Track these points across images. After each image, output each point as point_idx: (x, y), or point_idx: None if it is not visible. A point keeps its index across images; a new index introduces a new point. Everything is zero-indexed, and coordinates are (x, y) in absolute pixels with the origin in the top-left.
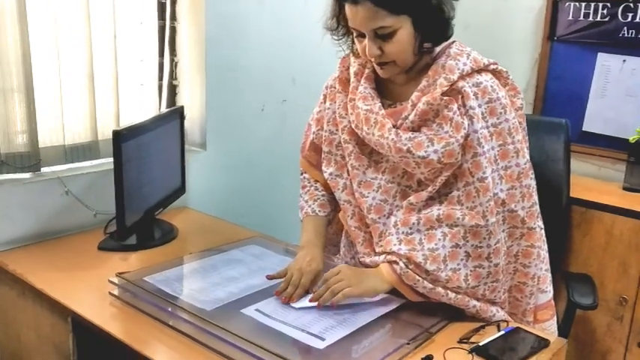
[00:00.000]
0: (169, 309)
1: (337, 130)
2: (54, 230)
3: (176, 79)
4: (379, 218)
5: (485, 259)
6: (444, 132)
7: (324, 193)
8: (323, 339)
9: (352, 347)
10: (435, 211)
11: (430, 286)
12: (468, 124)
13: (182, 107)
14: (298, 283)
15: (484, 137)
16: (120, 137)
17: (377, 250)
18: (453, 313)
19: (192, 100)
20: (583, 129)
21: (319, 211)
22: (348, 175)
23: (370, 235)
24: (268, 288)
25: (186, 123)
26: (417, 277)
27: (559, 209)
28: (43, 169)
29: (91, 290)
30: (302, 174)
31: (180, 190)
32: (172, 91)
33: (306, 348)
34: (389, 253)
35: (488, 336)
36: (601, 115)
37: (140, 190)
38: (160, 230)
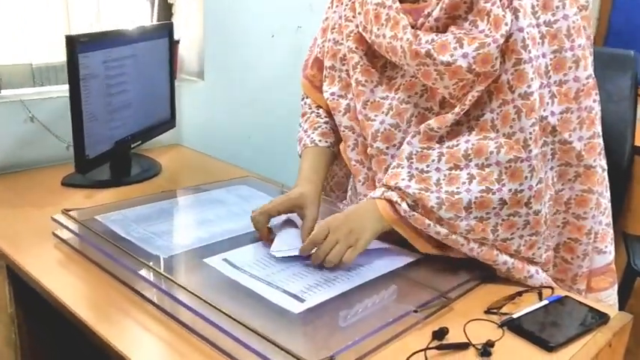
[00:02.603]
0: (114, 255)
1: (343, 38)
2: (17, 162)
3: None
4: (387, 148)
5: (524, 205)
6: (478, 31)
7: (327, 120)
8: (302, 300)
9: (339, 313)
10: (463, 144)
11: (445, 231)
12: (512, 20)
13: (171, 24)
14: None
15: (532, 39)
16: (76, 45)
17: (378, 185)
18: (482, 275)
19: (188, 19)
20: None
21: (319, 140)
22: (353, 94)
23: (375, 173)
24: (248, 234)
25: (180, 47)
26: (428, 222)
27: (620, 160)
28: (4, 92)
29: (35, 232)
30: (303, 99)
31: (169, 123)
32: (167, 8)
33: (278, 311)
34: (390, 187)
35: (526, 306)
36: None
37: (109, 115)
38: (140, 166)
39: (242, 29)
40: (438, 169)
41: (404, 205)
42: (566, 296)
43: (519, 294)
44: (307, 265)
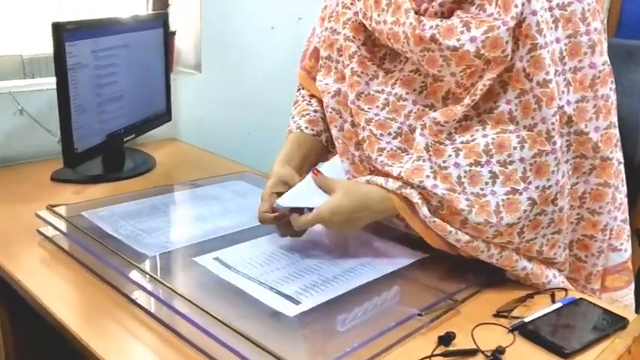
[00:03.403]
0: (99, 253)
1: (340, 26)
2: (5, 157)
3: None
4: (381, 135)
5: (551, 203)
6: (487, 14)
7: (317, 109)
8: (297, 302)
9: (337, 317)
10: (480, 138)
11: (466, 238)
12: (523, 3)
13: (166, 13)
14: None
15: (546, 22)
16: (63, 33)
17: (382, 169)
18: (490, 276)
19: (186, 10)
20: None
21: (305, 127)
22: (347, 84)
23: (361, 159)
24: (242, 232)
25: (177, 39)
26: (449, 228)
27: (633, 155)
28: None
29: (20, 229)
30: (298, 89)
31: (165, 116)
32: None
33: (272, 314)
34: (411, 185)
35: (538, 309)
36: None
37: (99, 107)
38: (133, 161)
39: (241, 21)
40: (457, 165)
41: (424, 210)
42: (580, 298)
43: (530, 296)
44: (300, 264)
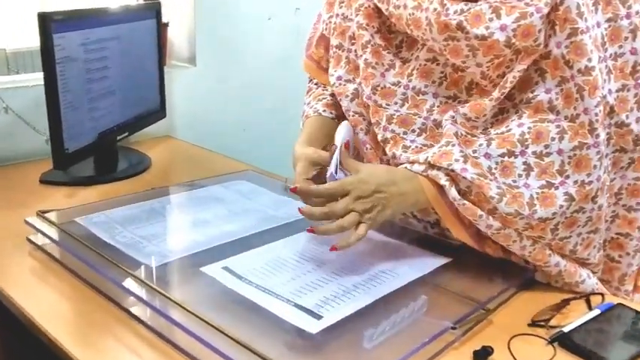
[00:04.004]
0: (96, 264)
1: (352, 13)
2: None
3: None
4: (405, 133)
5: (591, 200)
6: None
7: (332, 93)
8: (319, 317)
9: (363, 332)
10: (516, 127)
11: (498, 224)
12: None
13: (158, 3)
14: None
15: (586, 5)
16: (50, 25)
17: (409, 157)
18: (519, 279)
19: (178, 0)
20: None
21: (323, 110)
22: (361, 77)
23: (388, 162)
24: (252, 237)
25: (170, 31)
26: (480, 212)
27: None
28: None
29: (8, 237)
30: (310, 80)
31: (159, 112)
32: None
33: (292, 331)
34: (438, 167)
35: (575, 316)
36: None
37: (90, 104)
38: (127, 161)
39: (236, 11)
40: (487, 155)
41: (453, 192)
42: (619, 304)
43: (566, 302)
44: (321, 272)
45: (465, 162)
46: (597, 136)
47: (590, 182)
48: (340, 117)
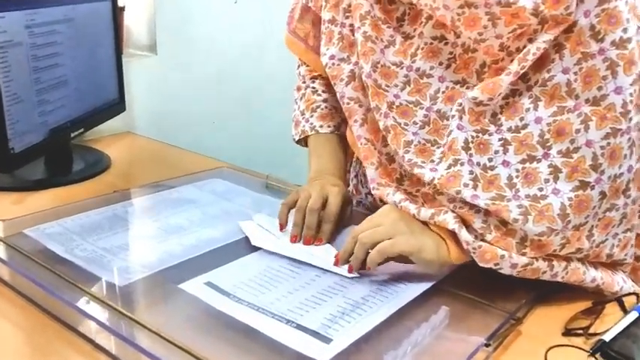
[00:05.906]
0: (50, 285)
1: None
2: None
3: None
4: (406, 125)
5: (622, 194)
6: None
7: (326, 97)
8: (328, 340)
9: (384, 356)
10: (533, 124)
11: (524, 261)
12: None
13: None
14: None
15: None
16: None
17: (411, 170)
18: (543, 282)
19: None
20: None
21: (320, 126)
22: (358, 53)
23: (390, 157)
24: (235, 244)
25: (126, 16)
26: (501, 252)
27: None
28: None
29: None
30: (298, 67)
31: (118, 106)
32: None
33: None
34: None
35: (608, 320)
36: None
37: (38, 96)
38: (83, 161)
39: None
40: (506, 163)
41: (464, 234)
42: None
43: (599, 306)
44: (322, 283)
45: (475, 186)
46: (630, 119)
47: (621, 174)
48: (339, 125)
